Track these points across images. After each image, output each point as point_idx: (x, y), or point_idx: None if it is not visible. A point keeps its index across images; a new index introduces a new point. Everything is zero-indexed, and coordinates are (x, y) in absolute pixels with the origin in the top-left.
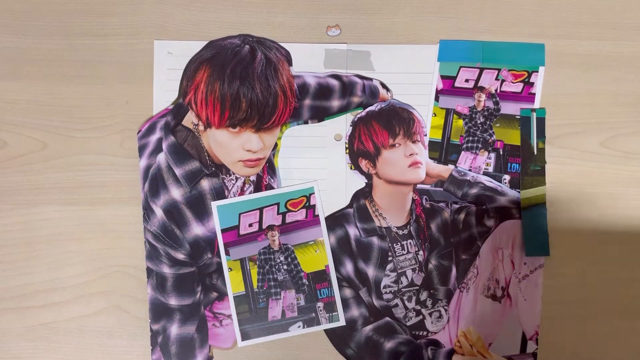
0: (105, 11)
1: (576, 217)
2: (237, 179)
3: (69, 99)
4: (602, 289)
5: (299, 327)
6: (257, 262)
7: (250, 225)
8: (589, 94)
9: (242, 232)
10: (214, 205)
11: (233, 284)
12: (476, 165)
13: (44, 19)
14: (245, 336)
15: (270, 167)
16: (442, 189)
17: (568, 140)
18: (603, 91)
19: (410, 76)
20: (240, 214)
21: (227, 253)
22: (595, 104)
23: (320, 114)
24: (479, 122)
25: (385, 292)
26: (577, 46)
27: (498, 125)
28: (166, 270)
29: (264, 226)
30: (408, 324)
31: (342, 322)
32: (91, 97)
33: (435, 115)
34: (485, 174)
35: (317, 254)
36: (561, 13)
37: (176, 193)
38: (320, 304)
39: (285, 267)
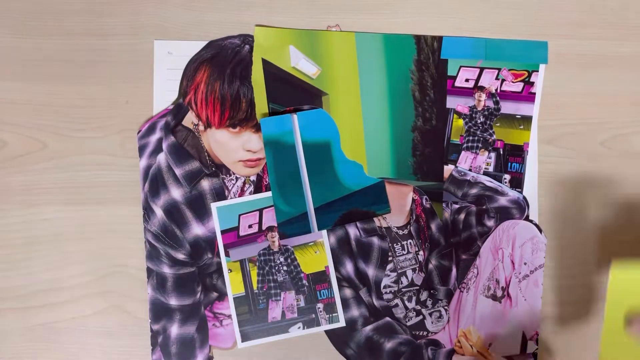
0: (105, 11)
1: (576, 217)
2: (237, 179)
3: (69, 99)
4: (602, 289)
5: (299, 328)
6: (257, 264)
7: (250, 226)
8: (589, 94)
9: (242, 233)
10: (214, 206)
11: (233, 285)
12: (476, 165)
13: (44, 19)
14: (245, 337)
15: None
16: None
17: (568, 140)
18: (603, 91)
19: None
20: (240, 215)
21: (227, 254)
22: (595, 104)
23: None
24: (479, 121)
25: (386, 292)
26: (577, 46)
27: (498, 124)
28: (166, 270)
29: (264, 227)
30: (408, 324)
31: (342, 323)
32: (91, 97)
33: None
34: (486, 173)
35: (317, 255)
36: (561, 13)
37: (176, 193)
38: (320, 305)
39: (285, 268)
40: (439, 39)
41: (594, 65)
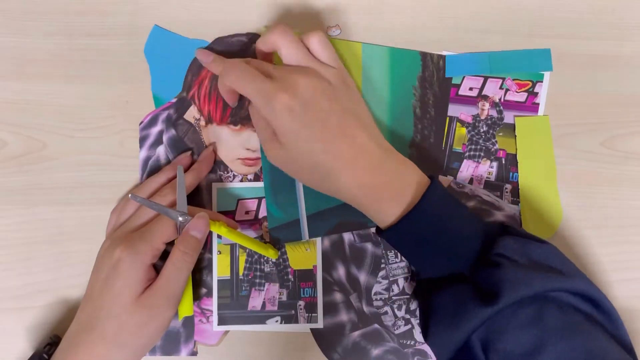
0: (105, 11)
1: (576, 218)
2: (234, 176)
3: (69, 99)
4: (603, 289)
5: (277, 321)
6: (247, 250)
7: (247, 212)
8: (589, 94)
9: (237, 218)
10: (214, 186)
11: (220, 267)
12: (478, 174)
13: (44, 19)
14: (222, 321)
15: None
16: None
17: (568, 140)
18: (603, 91)
19: None
20: (238, 200)
21: (219, 236)
22: (595, 104)
23: None
24: (481, 130)
25: (376, 299)
26: (577, 46)
27: (501, 134)
28: (158, 263)
29: (260, 216)
30: (396, 332)
31: (320, 325)
32: (91, 97)
33: None
34: (487, 182)
35: (308, 252)
36: (561, 13)
37: None
38: (301, 303)
39: (273, 259)
40: (444, 57)
41: (594, 65)
